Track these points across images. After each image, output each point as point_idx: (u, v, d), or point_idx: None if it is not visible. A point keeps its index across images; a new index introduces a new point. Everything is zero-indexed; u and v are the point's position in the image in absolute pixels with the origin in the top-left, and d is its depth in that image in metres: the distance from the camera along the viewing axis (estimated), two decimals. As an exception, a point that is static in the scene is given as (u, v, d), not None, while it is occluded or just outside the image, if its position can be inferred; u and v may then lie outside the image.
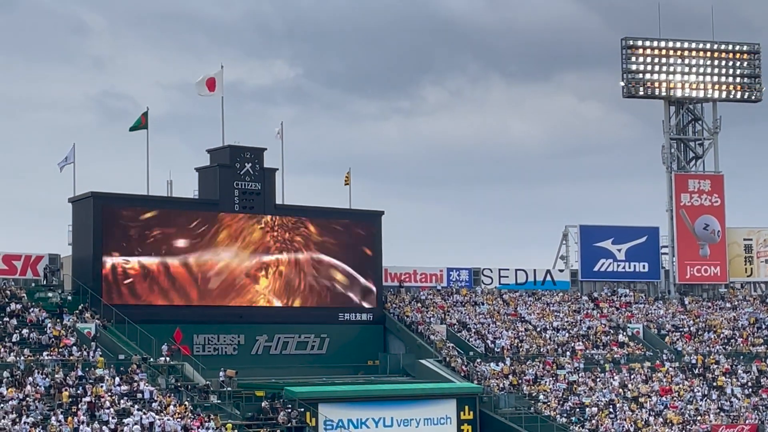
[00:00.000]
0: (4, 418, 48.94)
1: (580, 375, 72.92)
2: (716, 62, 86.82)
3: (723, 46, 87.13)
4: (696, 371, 76.11)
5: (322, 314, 71.30)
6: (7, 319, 58.48)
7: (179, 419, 52.69)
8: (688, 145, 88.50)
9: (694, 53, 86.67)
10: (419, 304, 77.18)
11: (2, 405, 50.00)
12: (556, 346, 76.06)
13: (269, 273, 69.82)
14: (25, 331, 57.80)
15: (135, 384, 55.12)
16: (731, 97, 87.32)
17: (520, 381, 70.69)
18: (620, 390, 72.12)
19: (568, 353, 75.32)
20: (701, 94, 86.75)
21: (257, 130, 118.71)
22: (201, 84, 69.14)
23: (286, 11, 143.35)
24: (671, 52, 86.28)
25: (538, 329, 77.89)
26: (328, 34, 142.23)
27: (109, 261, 64.25)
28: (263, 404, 59.12)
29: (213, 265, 67.81)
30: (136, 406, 52.89)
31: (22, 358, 54.58)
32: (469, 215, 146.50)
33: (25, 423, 48.87)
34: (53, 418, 49.85)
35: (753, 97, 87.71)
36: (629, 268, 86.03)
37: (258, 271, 69.39)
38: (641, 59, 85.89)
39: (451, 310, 77.54)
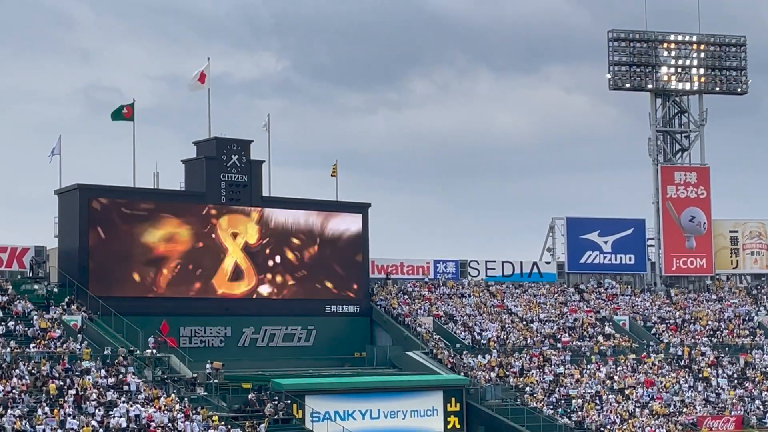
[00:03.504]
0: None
1: (567, 367, 73.07)
2: (702, 55, 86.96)
3: (709, 39, 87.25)
4: (682, 363, 76.32)
5: (308, 306, 71.28)
6: (-7, 311, 58.41)
7: (166, 411, 52.64)
8: (675, 138, 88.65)
9: (680, 46, 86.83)
10: (406, 296, 77.22)
11: (-12, 397, 49.94)
12: (543, 338, 76.19)
13: (256, 265, 69.75)
14: (11, 323, 57.66)
15: (121, 376, 55.02)
16: (717, 89, 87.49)
17: (506, 373, 70.80)
18: (606, 381, 72.28)
19: (554, 345, 75.45)
20: (687, 86, 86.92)
21: (244, 123, 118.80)
22: (195, 82, 69.16)
23: (273, 4, 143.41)
24: (658, 45, 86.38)
25: (525, 321, 78.01)
26: (316, 27, 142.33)
27: (95, 253, 64.12)
28: (250, 396, 59.12)
29: (199, 257, 67.74)
30: (123, 399, 52.82)
31: (8, 350, 54.45)
32: (456, 207, 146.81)
33: (11, 415, 48.75)
34: (39, 410, 49.74)
35: (739, 90, 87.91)
36: (615, 260, 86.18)
37: (244, 263, 69.32)
38: (628, 52, 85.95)
39: (437, 302, 77.61)
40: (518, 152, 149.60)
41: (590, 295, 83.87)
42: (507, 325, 76.68)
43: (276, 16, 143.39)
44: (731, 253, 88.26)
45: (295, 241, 71.40)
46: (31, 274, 64.14)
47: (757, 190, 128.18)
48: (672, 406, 70.49)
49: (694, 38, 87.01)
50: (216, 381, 59.40)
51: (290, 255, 71.08)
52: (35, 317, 58.71)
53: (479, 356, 71.71)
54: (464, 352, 71.68)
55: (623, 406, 69.38)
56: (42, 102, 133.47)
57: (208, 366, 60.48)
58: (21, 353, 54.48)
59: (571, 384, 71.17)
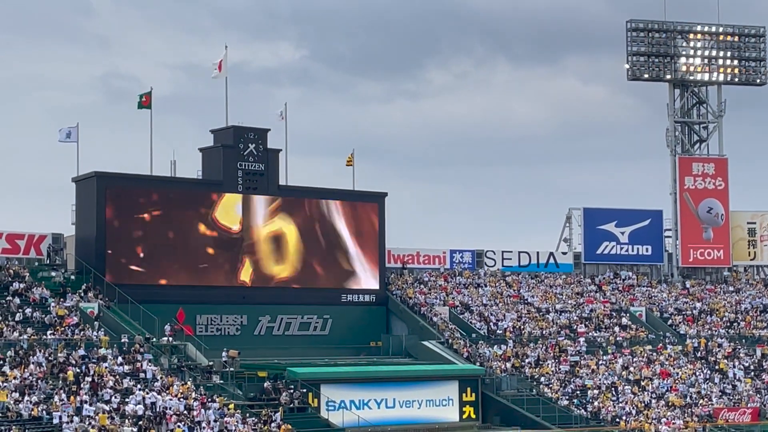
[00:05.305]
0: (7, 397, 49.00)
1: (583, 357, 72.96)
2: (721, 45, 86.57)
3: (728, 29, 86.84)
4: (698, 354, 76.11)
5: (325, 295, 71.34)
6: (11, 298, 58.56)
7: (182, 399, 52.77)
8: (693, 128, 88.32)
9: (699, 36, 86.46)
10: (422, 286, 77.19)
11: (5, 384, 50.06)
12: (559, 328, 76.07)
13: (272, 254, 69.78)
14: (28, 310, 57.88)
15: (138, 364, 55.19)
16: (736, 80, 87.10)
17: (522, 363, 70.73)
18: (622, 372, 72.15)
19: (570, 336, 75.33)
20: (706, 77, 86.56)
21: (261, 111, 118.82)
22: (215, 68, 69.41)
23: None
24: (676, 35, 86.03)
25: (541, 312, 77.89)
26: (334, 16, 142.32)
27: (112, 240, 64.26)
28: (266, 385, 59.23)
29: (215, 245, 67.81)
30: (139, 386, 52.99)
31: (26, 337, 54.67)
32: (473, 197, 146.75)
33: (28, 402, 48.95)
34: (56, 397, 49.93)
35: (758, 81, 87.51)
36: (632, 251, 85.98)
37: (261, 252, 69.37)
38: (646, 42, 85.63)
39: (453, 292, 77.56)
40: (535, 142, 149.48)
41: (607, 285, 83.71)
42: (523, 316, 76.60)
43: (294, 5, 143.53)
44: (749, 244, 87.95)
45: (311, 230, 71.39)
46: (48, 262, 64.36)
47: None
48: (688, 398, 70.32)
49: (713, 29, 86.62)
50: (232, 369, 59.57)
51: (306, 244, 71.06)
52: (52, 304, 58.92)
53: (495, 346, 71.63)
54: (480, 342, 71.63)
55: (639, 398, 69.24)
56: (60, 89, 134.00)
57: (224, 354, 60.62)
58: (38, 340, 54.71)
59: (587, 375, 71.06)
